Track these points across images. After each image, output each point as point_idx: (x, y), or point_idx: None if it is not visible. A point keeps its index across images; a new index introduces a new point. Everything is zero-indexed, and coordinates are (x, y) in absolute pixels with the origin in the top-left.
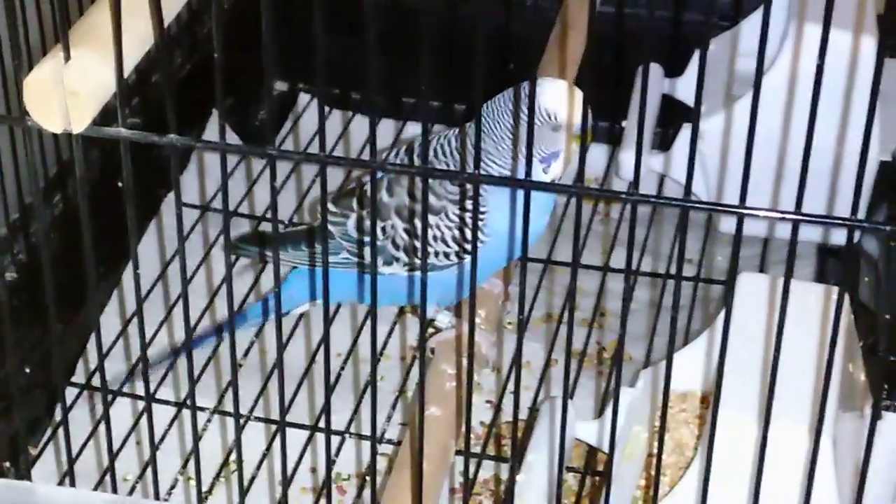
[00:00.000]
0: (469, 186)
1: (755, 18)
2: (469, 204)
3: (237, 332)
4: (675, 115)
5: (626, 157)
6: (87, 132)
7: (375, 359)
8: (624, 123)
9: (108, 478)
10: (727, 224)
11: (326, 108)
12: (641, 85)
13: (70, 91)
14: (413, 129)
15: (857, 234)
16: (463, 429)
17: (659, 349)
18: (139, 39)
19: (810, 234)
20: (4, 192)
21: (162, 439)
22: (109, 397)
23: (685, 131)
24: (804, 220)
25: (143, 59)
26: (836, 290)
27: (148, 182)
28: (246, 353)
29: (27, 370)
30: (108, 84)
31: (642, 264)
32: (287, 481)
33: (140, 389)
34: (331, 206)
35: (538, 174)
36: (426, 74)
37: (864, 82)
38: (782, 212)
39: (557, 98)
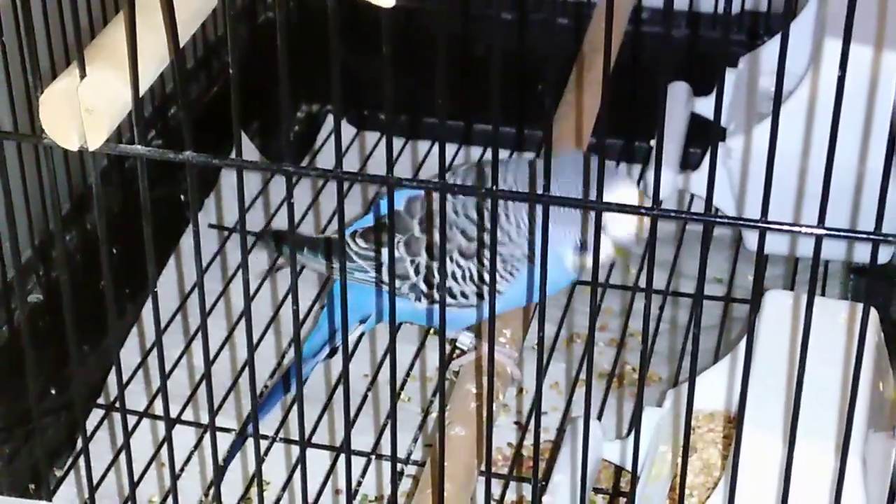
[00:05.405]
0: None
1: None
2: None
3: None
4: (704, 134)
5: (652, 175)
6: (103, 150)
7: (395, 381)
8: (651, 143)
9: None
10: (754, 242)
11: (355, 130)
12: (664, 103)
13: (86, 108)
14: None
15: (883, 252)
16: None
17: (687, 369)
18: (156, 57)
19: (840, 253)
20: (30, 214)
21: (186, 462)
22: (133, 419)
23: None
24: (827, 234)
25: (172, 84)
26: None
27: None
28: (271, 375)
29: (52, 392)
30: (124, 101)
31: (671, 284)
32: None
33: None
34: (360, 241)
35: (566, 257)
36: (443, 92)
37: (890, 98)
38: (805, 226)
39: (626, 229)
